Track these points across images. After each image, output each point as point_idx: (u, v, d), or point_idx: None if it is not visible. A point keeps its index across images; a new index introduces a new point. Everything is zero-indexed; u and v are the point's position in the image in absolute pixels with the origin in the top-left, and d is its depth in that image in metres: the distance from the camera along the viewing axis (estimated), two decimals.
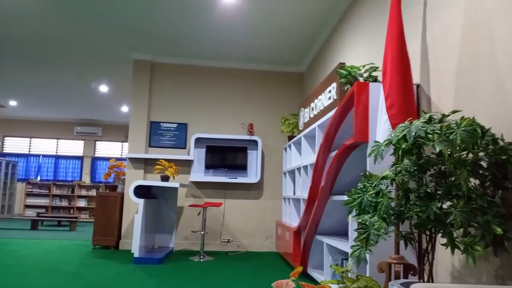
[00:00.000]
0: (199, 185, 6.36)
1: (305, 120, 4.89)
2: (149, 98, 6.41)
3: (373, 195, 2.08)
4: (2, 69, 7.40)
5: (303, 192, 4.61)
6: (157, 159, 6.02)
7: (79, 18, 5.19)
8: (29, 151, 12.24)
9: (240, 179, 6.30)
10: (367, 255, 2.57)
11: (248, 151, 6.43)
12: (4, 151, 12.03)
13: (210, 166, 6.33)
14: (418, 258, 2.09)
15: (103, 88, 8.44)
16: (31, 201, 11.60)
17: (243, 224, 6.36)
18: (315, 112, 4.38)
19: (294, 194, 5.23)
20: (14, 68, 7.35)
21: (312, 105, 4.52)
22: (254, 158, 6.45)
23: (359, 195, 2.13)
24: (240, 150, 6.38)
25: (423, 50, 2.78)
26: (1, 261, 4.75)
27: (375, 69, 3.14)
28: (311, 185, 3.84)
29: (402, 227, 2.19)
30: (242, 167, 6.36)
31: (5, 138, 12.14)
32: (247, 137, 6.38)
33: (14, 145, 12.21)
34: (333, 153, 3.48)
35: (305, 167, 4.60)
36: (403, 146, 2.00)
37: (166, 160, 5.94)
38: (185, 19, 5.14)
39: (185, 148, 6.43)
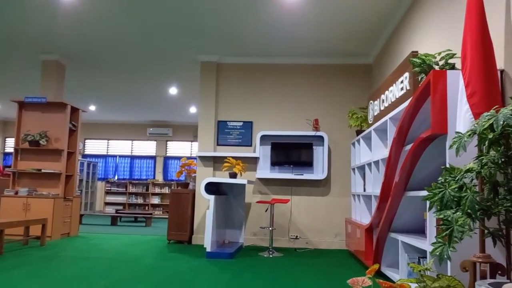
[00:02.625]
0: (265, 181, 6.42)
1: (375, 113, 4.72)
2: (216, 98, 6.59)
3: (456, 189, 1.96)
4: (82, 78, 8.05)
5: (374, 189, 4.46)
6: (225, 157, 6.18)
7: (149, 25, 5.48)
8: (107, 152, 13.19)
9: (306, 176, 6.26)
10: (450, 253, 2.42)
11: (314, 147, 6.37)
12: (85, 153, 13.08)
13: (275, 163, 6.36)
14: (508, 256, 1.93)
15: (173, 91, 8.83)
16: (110, 198, 12.49)
17: (311, 221, 6.32)
18: (386, 104, 4.21)
19: (365, 190, 5.08)
20: (92, 76, 7.96)
21: (383, 97, 4.36)
22: (320, 154, 6.37)
23: (440, 189, 2.01)
24: (305, 146, 6.33)
25: (508, 32, 2.55)
26: (87, 254, 5.17)
27: (452, 56, 2.95)
28: (383, 181, 3.70)
29: (488, 223, 2.03)
30: (308, 164, 6.31)
31: (86, 141, 13.19)
32: (312, 133, 6.32)
33: (94, 146, 13.23)
34: (408, 147, 3.32)
35: (376, 162, 4.45)
36: (490, 136, 1.86)
37: (233, 157, 6.08)
38: (248, 18, 5.21)
39: (251, 145, 6.53)
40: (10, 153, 13.22)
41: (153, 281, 3.72)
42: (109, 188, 12.50)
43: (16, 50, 6.64)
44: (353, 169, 5.79)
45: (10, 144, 13.44)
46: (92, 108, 10.98)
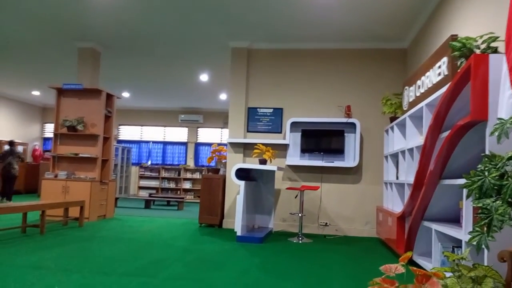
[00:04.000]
0: (295, 168, 6.41)
1: (410, 100, 4.60)
2: (246, 85, 6.60)
3: (497, 177, 1.89)
4: (117, 64, 8.24)
5: (407, 177, 4.37)
6: (255, 144, 6.20)
7: (181, 12, 5.51)
8: (141, 138, 13.51)
9: (337, 163, 6.20)
10: (488, 243, 2.35)
11: (346, 134, 6.28)
12: (120, 138, 13.46)
13: (305, 150, 6.33)
14: None
15: (204, 78, 8.90)
16: (143, 183, 12.84)
17: (341, 208, 6.28)
18: (422, 90, 4.09)
19: (397, 178, 4.98)
20: (126, 63, 8.13)
21: (419, 82, 4.23)
22: (351, 142, 6.28)
23: (479, 177, 1.95)
24: (336, 133, 6.26)
25: None
26: (124, 235, 5.37)
27: (495, 39, 2.81)
28: (418, 169, 3.62)
29: None
30: (339, 151, 6.24)
31: (120, 127, 13.56)
32: (344, 120, 6.23)
33: (128, 132, 13.58)
34: (444, 134, 3.22)
35: (410, 150, 4.34)
36: None
37: (263, 144, 6.09)
38: (279, 2, 5.14)
39: (280, 132, 6.51)
40: (48, 138, 13.80)
41: (185, 262, 3.83)
42: (143, 173, 12.84)
43: (53, 38, 6.86)
44: (386, 157, 5.68)
45: (48, 130, 14.01)
46: (126, 94, 11.25)
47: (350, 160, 6.27)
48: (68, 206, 5.71)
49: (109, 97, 7.11)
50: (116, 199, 9.34)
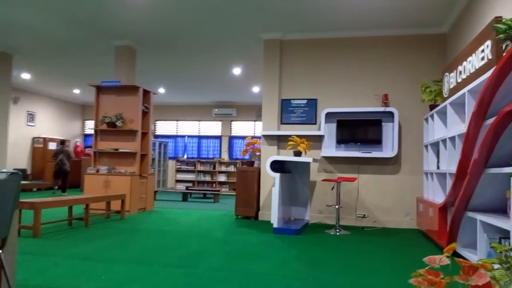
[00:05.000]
0: (330, 160, 6.34)
1: (451, 86, 4.42)
2: (279, 76, 6.57)
3: None
4: (152, 61, 8.42)
5: (449, 166, 4.22)
6: (289, 136, 6.18)
7: (214, 7, 5.55)
8: (176, 132, 13.79)
9: (374, 154, 6.08)
10: None
11: (383, 123, 6.14)
12: (156, 133, 13.79)
13: (341, 140, 6.24)
14: None
15: (236, 71, 8.94)
16: (180, 176, 13.13)
17: (379, 199, 6.16)
18: (464, 76, 3.92)
19: (438, 168, 4.82)
20: (161, 59, 8.29)
21: (460, 68, 4.06)
22: (389, 131, 6.13)
23: None
24: (373, 123, 6.13)
25: None
26: (164, 227, 5.52)
27: None
28: (460, 158, 3.49)
29: None
30: (376, 141, 6.12)
31: (156, 122, 13.89)
32: (381, 109, 6.09)
33: (164, 127, 13.90)
34: (489, 121, 3.09)
35: (452, 138, 4.19)
36: None
37: (297, 136, 6.06)
38: None
39: (315, 123, 6.45)
40: (89, 135, 14.35)
41: (224, 253, 3.89)
42: (179, 167, 13.12)
43: (92, 38, 7.10)
44: (426, 146, 5.51)
45: (88, 126, 14.56)
46: (162, 90, 11.49)
47: (388, 150, 6.13)
48: (110, 199, 5.93)
49: (146, 93, 7.30)
50: (155, 192, 9.61)
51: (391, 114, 6.09)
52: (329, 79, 6.47)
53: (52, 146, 12.33)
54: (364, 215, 6.18)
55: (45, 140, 12.18)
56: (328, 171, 6.35)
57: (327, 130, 6.32)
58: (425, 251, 4.22)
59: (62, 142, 10.85)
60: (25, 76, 10.20)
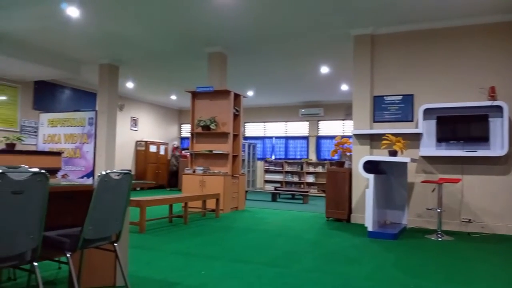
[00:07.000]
0: (430, 159, 5.91)
1: None
2: (371, 73, 6.31)
3: None
4: (241, 65, 8.67)
5: None
6: (383, 134, 5.89)
7: (300, 7, 5.52)
8: (264, 134, 14.04)
9: (480, 152, 5.52)
10: None
11: (490, 119, 5.54)
12: (246, 135, 14.19)
13: (442, 139, 5.77)
14: None
15: (324, 70, 8.80)
16: (268, 177, 13.32)
17: (487, 203, 5.57)
18: None
19: None
20: (249, 63, 8.50)
21: None
22: (498, 127, 5.52)
23: None
24: (479, 118, 5.56)
25: None
26: (256, 226, 5.63)
27: None
28: None
29: None
30: (482, 139, 5.54)
31: (245, 124, 14.29)
32: (488, 103, 5.50)
33: (252, 129, 14.23)
34: None
35: None
36: None
37: (392, 134, 5.75)
38: None
39: (412, 121, 6.06)
40: (184, 138, 15.28)
41: (317, 255, 3.84)
42: (268, 167, 13.33)
43: (186, 47, 7.53)
44: None
45: (184, 130, 15.51)
46: (250, 93, 11.79)
47: (496, 148, 5.52)
48: (206, 198, 6.23)
49: (236, 96, 7.54)
50: (246, 192, 9.87)
51: (499, 108, 5.47)
52: (426, 73, 6.03)
53: (153, 149, 13.37)
54: (470, 219, 5.64)
55: (147, 143, 13.25)
56: (428, 171, 5.92)
57: (425, 127, 5.90)
58: None
59: (175, 149, 14.24)
60: (129, 85, 11.21)
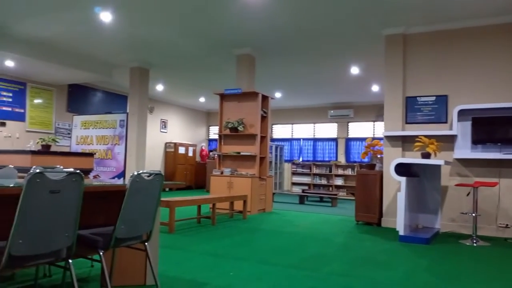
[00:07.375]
0: (465, 162, 5.69)
1: None
2: (403, 73, 6.15)
3: None
4: (269, 67, 8.66)
5: None
6: (415, 136, 5.72)
7: (329, 7, 5.45)
8: (292, 135, 13.97)
9: None
10: None
11: None
12: (273, 137, 14.16)
13: (478, 141, 5.56)
14: None
15: (354, 70, 8.67)
16: (296, 179, 13.23)
17: None
18: None
19: None
20: (278, 65, 8.48)
21: None
22: None
23: None
24: None
25: None
26: (284, 229, 5.60)
27: None
28: None
29: None
30: None
31: (273, 126, 14.26)
32: None
33: (280, 131, 14.19)
34: None
35: None
36: None
37: (425, 136, 5.58)
38: None
39: (446, 122, 5.87)
40: (212, 139, 15.41)
41: (347, 259, 3.77)
42: (295, 169, 13.25)
43: (215, 49, 7.60)
44: None
45: (212, 132, 15.65)
46: (278, 95, 11.76)
47: None
48: (233, 200, 6.25)
49: (264, 98, 7.53)
50: (273, 194, 9.84)
51: None
52: (460, 73, 5.83)
53: (182, 150, 13.56)
54: (507, 224, 5.40)
55: (176, 145, 13.45)
56: (463, 175, 5.71)
57: (460, 129, 5.70)
58: None
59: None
60: (159, 87, 11.42)
